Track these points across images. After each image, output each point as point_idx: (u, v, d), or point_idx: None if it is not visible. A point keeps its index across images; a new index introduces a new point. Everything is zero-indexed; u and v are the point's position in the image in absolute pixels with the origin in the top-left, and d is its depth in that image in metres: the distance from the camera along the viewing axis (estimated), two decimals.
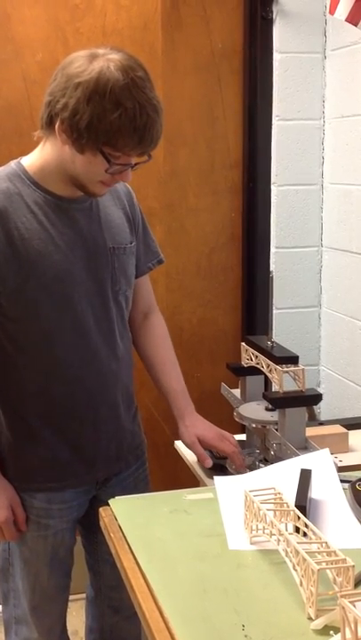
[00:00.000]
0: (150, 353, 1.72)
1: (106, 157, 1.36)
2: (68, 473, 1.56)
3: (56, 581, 1.62)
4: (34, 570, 1.58)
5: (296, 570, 1.06)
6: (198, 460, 1.65)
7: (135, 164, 1.41)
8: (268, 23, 2.28)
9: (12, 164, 1.49)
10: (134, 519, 1.31)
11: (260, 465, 1.63)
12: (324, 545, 1.07)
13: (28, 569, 1.58)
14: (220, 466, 1.64)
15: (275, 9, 2.26)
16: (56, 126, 1.36)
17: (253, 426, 1.66)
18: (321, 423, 2.01)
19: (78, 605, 1.89)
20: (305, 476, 1.34)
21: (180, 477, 2.18)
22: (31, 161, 1.47)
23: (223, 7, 2.30)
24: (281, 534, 1.12)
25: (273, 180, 2.35)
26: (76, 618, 1.93)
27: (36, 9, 2.17)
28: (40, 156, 1.46)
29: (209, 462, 1.62)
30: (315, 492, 1.34)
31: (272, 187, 2.36)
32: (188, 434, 1.65)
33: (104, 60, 1.33)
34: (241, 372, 1.77)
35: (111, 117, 1.31)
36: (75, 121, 1.33)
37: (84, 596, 1.86)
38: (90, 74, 1.32)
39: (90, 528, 1.68)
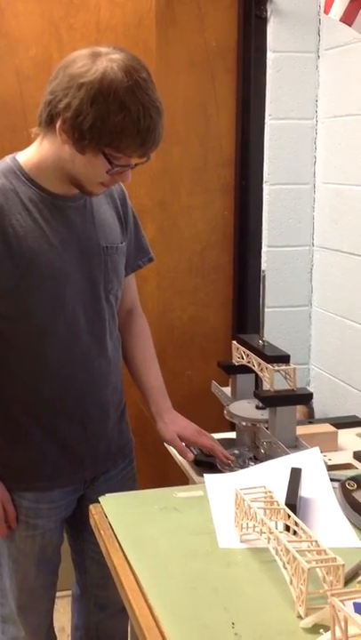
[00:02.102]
0: (130, 349, 1.72)
1: (107, 159, 1.35)
2: (56, 472, 1.55)
3: (43, 580, 1.62)
4: (22, 569, 1.58)
5: (286, 568, 1.06)
6: (180, 455, 1.66)
7: (135, 165, 1.41)
8: (262, 22, 2.28)
9: (7, 159, 1.48)
10: (124, 517, 1.31)
11: (250, 463, 1.63)
12: (314, 544, 1.08)
13: (15, 568, 1.58)
14: (210, 463, 1.64)
15: (269, 8, 2.26)
16: (57, 125, 1.36)
17: (244, 424, 1.67)
18: (311, 422, 2.02)
19: (65, 602, 1.89)
20: (295, 474, 1.34)
21: (169, 475, 2.18)
22: (27, 157, 1.47)
23: (218, 5, 2.30)
24: (271, 532, 1.12)
25: (265, 178, 2.35)
26: (63, 615, 1.92)
27: (30, 4, 2.16)
28: (37, 152, 1.45)
29: (190, 456, 1.64)
30: (305, 491, 1.34)
31: (264, 185, 2.36)
32: (167, 430, 1.65)
33: (107, 60, 1.32)
34: (232, 371, 1.78)
35: (115, 119, 1.30)
36: (78, 122, 1.32)
37: (69, 592, 1.86)
38: (94, 74, 1.31)
39: (77, 527, 1.68)
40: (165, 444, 1.71)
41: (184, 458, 1.65)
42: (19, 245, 1.42)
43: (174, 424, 1.66)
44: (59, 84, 1.35)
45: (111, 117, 1.31)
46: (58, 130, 1.36)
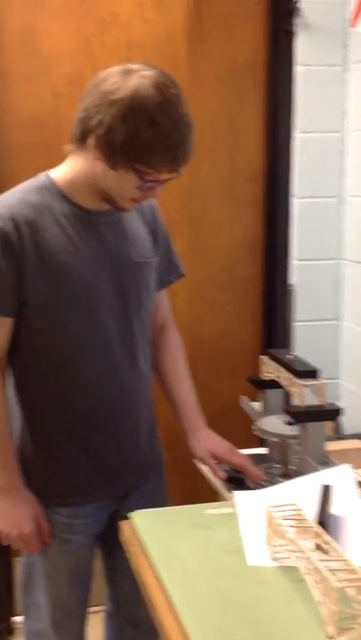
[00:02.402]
0: (164, 366, 1.72)
1: (138, 174, 1.37)
2: (89, 488, 1.56)
3: (76, 596, 1.62)
4: (55, 584, 1.59)
5: (317, 587, 1.06)
6: (212, 473, 1.65)
7: (165, 180, 1.42)
8: (289, 36, 2.28)
9: (42, 176, 1.51)
10: (155, 533, 1.31)
11: (280, 479, 1.63)
12: (345, 563, 1.07)
13: (49, 584, 1.59)
14: (239, 480, 1.64)
15: (297, 22, 2.27)
16: (89, 142, 1.38)
17: (273, 440, 1.66)
18: (341, 438, 2.00)
19: (97, 618, 1.89)
20: (326, 491, 1.34)
21: (199, 491, 2.17)
22: (60, 174, 1.49)
23: (246, 20, 2.32)
24: (302, 551, 1.12)
25: (293, 192, 2.36)
26: (96, 630, 1.93)
27: (62, 23, 2.19)
28: (70, 169, 1.48)
29: (222, 474, 1.62)
30: (335, 509, 1.34)
31: (293, 199, 2.36)
32: (199, 447, 1.65)
33: (139, 77, 1.34)
34: (261, 386, 1.77)
35: (146, 135, 1.32)
36: (109, 138, 1.34)
37: (102, 608, 1.87)
38: (125, 91, 1.33)
39: (109, 543, 1.68)
40: (196, 461, 1.71)
41: (216, 476, 1.64)
42: (52, 260, 1.44)
43: (207, 441, 1.65)
44: (91, 102, 1.38)
45: (142, 134, 1.32)
46: (90, 147, 1.38)
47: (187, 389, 1.71)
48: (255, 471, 1.61)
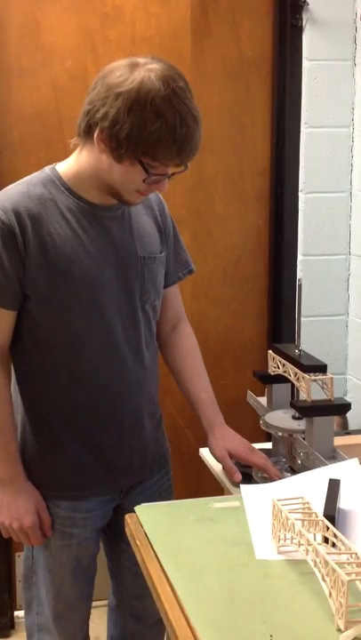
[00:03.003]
0: (179, 364, 1.71)
1: (144, 167, 1.36)
2: (92, 481, 1.55)
3: (79, 590, 1.61)
4: (57, 579, 1.58)
5: (325, 581, 1.05)
6: (227, 474, 1.62)
7: (172, 174, 1.41)
8: (297, 31, 2.27)
9: (47, 169, 1.50)
10: (160, 527, 1.30)
11: (287, 474, 1.61)
12: (353, 556, 1.06)
13: (51, 578, 1.58)
14: (246, 474, 1.62)
15: (304, 16, 2.25)
16: (95, 135, 1.37)
17: (280, 434, 1.65)
18: (348, 432, 1.99)
19: (100, 612, 1.89)
20: (334, 485, 1.32)
21: (205, 485, 2.17)
22: (66, 167, 1.48)
23: (253, 15, 2.30)
24: (310, 544, 1.11)
25: (301, 187, 2.34)
26: (99, 625, 1.92)
27: (65, 16, 2.18)
28: (76, 162, 1.47)
29: (238, 476, 1.58)
30: (343, 502, 1.32)
31: (300, 194, 2.35)
32: (218, 447, 1.61)
33: (145, 70, 1.33)
34: (268, 380, 1.76)
35: (151, 128, 1.31)
36: (115, 131, 1.33)
37: (105, 602, 1.86)
38: (131, 84, 1.32)
39: (113, 537, 1.67)
40: (201, 454, 1.69)
41: (231, 479, 1.59)
42: (56, 254, 1.43)
43: (225, 439, 1.62)
44: (97, 94, 1.37)
45: (148, 126, 1.31)
46: (96, 139, 1.37)
47: (204, 387, 1.69)
48: (274, 471, 1.57)
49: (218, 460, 1.62)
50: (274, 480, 1.54)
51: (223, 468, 1.62)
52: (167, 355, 1.72)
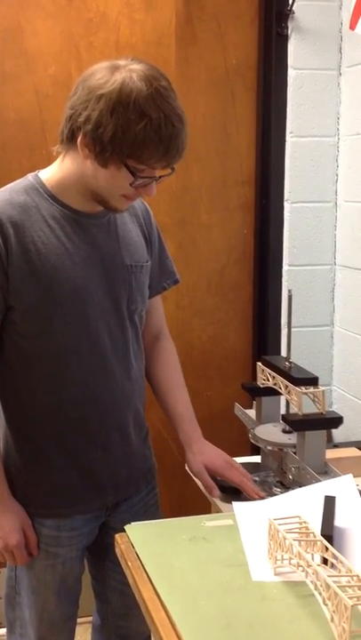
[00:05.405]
0: (159, 377, 1.68)
1: (130, 171, 1.32)
2: (77, 498, 1.51)
3: (63, 610, 1.56)
4: (41, 599, 1.53)
5: (327, 605, 1.01)
6: (206, 490, 1.59)
7: (159, 177, 1.37)
8: (283, 39, 2.25)
9: (30, 177, 1.46)
10: (152, 547, 1.26)
11: (276, 489, 1.58)
12: (355, 578, 1.03)
13: (35, 598, 1.53)
14: (234, 489, 1.58)
15: (290, 25, 2.24)
16: (78, 140, 1.33)
17: (270, 448, 1.62)
18: (335, 445, 1.97)
19: (83, 629, 1.84)
20: (330, 503, 1.30)
21: (190, 499, 2.13)
22: (49, 174, 1.44)
23: (238, 23, 2.29)
24: (309, 566, 1.08)
25: (286, 196, 2.32)
26: None
27: (49, 22, 2.15)
28: (59, 170, 1.43)
29: (216, 492, 1.55)
30: (339, 520, 1.29)
31: (285, 204, 2.33)
32: (195, 462, 1.58)
33: (126, 71, 1.30)
34: (257, 393, 1.73)
35: (136, 129, 1.27)
36: (98, 134, 1.29)
37: (89, 619, 1.81)
38: (112, 85, 1.28)
39: (99, 555, 1.63)
40: (187, 469, 1.65)
41: (209, 494, 1.56)
42: (40, 262, 1.39)
43: (202, 454, 1.58)
44: (78, 98, 1.33)
45: (132, 127, 1.27)
46: (79, 145, 1.34)
47: (183, 401, 1.66)
48: (251, 488, 1.54)
49: (195, 475, 1.60)
50: (254, 498, 1.50)
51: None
52: (148, 367, 1.67)
